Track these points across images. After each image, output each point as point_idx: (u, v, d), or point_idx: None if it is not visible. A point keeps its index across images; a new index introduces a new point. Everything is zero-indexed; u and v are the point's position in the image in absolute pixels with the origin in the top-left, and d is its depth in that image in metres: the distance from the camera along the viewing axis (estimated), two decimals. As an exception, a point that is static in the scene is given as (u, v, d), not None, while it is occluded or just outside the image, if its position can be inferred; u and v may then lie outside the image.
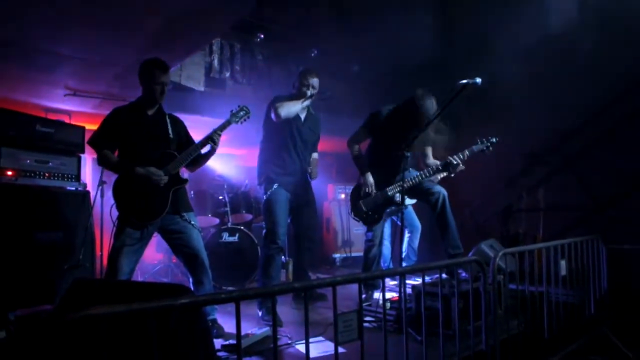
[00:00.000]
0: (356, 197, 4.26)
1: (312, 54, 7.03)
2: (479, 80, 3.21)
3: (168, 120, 3.53)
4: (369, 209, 4.18)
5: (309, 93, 4.01)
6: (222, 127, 3.54)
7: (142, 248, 3.33)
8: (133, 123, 3.35)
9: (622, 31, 4.68)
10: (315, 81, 4.11)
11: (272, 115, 3.94)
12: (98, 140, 3.34)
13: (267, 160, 4.13)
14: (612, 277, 4.24)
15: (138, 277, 5.64)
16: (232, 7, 3.60)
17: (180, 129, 3.62)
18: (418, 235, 5.00)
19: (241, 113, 3.68)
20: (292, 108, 3.95)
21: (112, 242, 3.28)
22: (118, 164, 3.32)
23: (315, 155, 4.39)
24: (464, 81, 3.23)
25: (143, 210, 3.26)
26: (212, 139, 3.45)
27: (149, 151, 3.35)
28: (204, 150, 3.55)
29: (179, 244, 3.44)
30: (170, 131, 3.49)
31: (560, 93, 5.18)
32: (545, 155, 5.49)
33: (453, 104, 3.31)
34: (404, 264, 4.89)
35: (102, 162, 3.36)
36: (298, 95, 4.06)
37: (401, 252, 4.65)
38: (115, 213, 3.34)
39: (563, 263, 3.62)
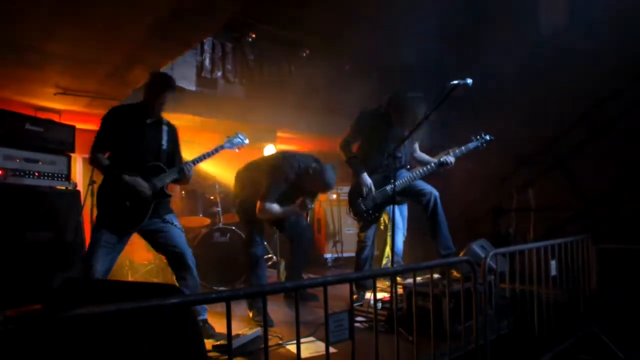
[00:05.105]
0: (355, 197, 4.23)
1: (304, 54, 7.03)
2: (469, 80, 3.22)
3: (164, 129, 3.51)
4: (369, 208, 4.17)
5: None
6: (215, 152, 3.61)
7: (118, 251, 3.32)
8: (130, 129, 3.35)
9: (615, 31, 4.71)
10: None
11: None
12: (97, 145, 3.33)
13: None
14: (601, 277, 4.28)
15: (129, 277, 5.61)
16: (223, 6, 3.58)
17: (174, 138, 3.61)
18: (401, 235, 4.96)
19: (236, 140, 3.77)
20: None
21: (90, 239, 3.28)
22: (108, 168, 3.30)
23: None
24: (455, 82, 3.23)
25: (122, 217, 3.27)
26: (182, 171, 3.44)
27: (139, 161, 3.34)
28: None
29: (162, 243, 3.43)
30: (164, 142, 3.47)
31: (551, 93, 5.22)
32: (536, 155, 5.52)
33: (443, 104, 3.32)
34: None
35: (93, 163, 3.36)
36: None
37: (393, 250, 4.65)
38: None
39: (553, 263, 3.64)
